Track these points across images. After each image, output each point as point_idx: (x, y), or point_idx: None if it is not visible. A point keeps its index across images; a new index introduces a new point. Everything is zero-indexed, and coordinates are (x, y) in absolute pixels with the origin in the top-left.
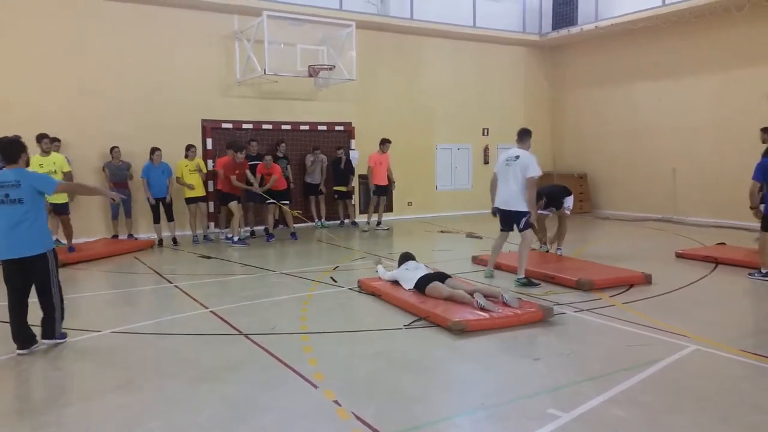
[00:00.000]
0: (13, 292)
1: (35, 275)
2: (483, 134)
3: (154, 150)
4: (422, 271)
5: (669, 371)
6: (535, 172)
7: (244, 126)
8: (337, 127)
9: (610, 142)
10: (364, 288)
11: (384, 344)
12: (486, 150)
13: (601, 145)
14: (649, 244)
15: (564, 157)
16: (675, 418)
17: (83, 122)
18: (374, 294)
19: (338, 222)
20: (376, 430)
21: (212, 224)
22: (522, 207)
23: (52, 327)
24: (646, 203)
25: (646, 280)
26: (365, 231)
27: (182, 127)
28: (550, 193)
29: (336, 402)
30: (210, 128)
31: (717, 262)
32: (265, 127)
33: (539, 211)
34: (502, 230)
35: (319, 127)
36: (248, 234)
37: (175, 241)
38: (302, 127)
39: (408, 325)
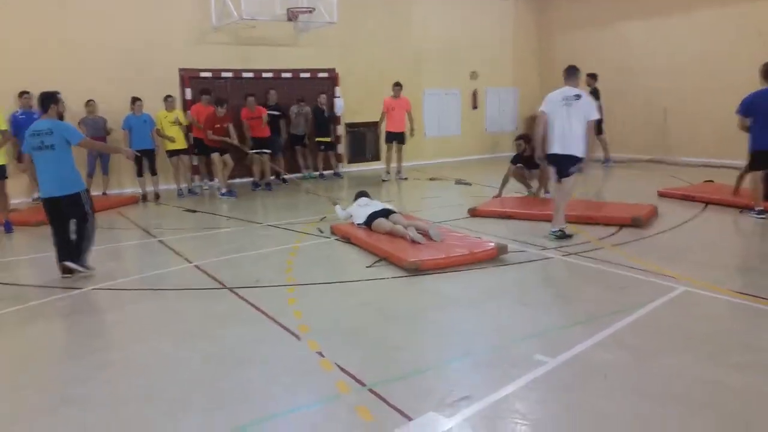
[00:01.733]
0: (53, 224)
1: (71, 212)
2: (471, 78)
3: (134, 100)
4: (371, 208)
5: (658, 313)
6: (597, 114)
7: (223, 74)
8: (321, 74)
9: (600, 84)
10: (336, 233)
11: (369, 294)
12: (475, 94)
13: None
14: (637, 185)
15: None
16: (663, 359)
17: (54, 76)
18: (346, 239)
19: (318, 174)
20: (359, 380)
21: (197, 177)
22: (580, 152)
23: (79, 253)
24: (636, 145)
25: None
26: (385, 181)
27: (159, 79)
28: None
29: (320, 353)
30: (188, 78)
31: (695, 200)
32: (245, 75)
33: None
34: (559, 179)
35: (302, 75)
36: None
37: (157, 196)
38: (284, 75)
39: (370, 266)
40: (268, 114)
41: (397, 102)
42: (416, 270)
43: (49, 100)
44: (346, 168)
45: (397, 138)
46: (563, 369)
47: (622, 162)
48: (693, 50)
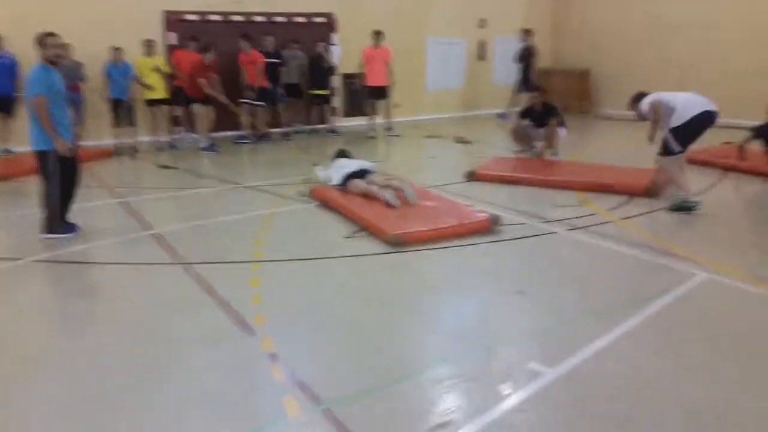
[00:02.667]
0: None
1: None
2: (479, 27)
3: (115, 49)
4: (348, 168)
5: (677, 307)
6: None
7: (212, 17)
8: (317, 19)
9: (618, 36)
10: (314, 197)
11: (343, 275)
12: (482, 44)
13: (607, 39)
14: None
15: (565, 52)
16: (688, 375)
17: (23, 15)
18: (324, 203)
19: (308, 128)
20: (315, 395)
21: (181, 129)
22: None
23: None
24: None
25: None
26: (371, 137)
27: (140, 21)
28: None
29: (273, 355)
30: (173, 20)
31: (716, 166)
32: (234, 18)
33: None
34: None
35: (296, 19)
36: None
37: (135, 149)
38: (277, 19)
39: (349, 236)
40: (267, 62)
41: (377, 52)
42: (399, 244)
43: (38, 42)
44: (342, 123)
45: (377, 93)
46: (563, 384)
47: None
48: (722, 3)
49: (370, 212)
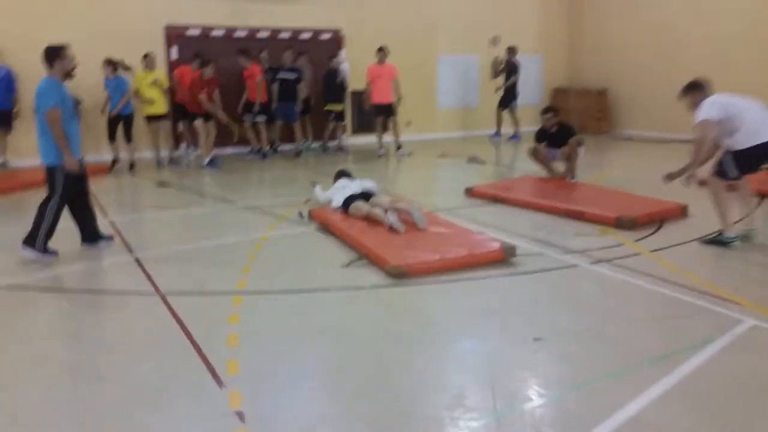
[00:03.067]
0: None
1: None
2: (492, 45)
3: (108, 63)
4: (349, 190)
5: (722, 361)
6: None
7: (214, 33)
8: (324, 35)
9: (635, 54)
10: (315, 220)
11: (335, 312)
12: (495, 62)
13: (624, 57)
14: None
15: (582, 70)
16: None
17: (18, 30)
18: (324, 227)
19: (321, 144)
20: None
21: (183, 145)
22: None
23: (30, 234)
24: (673, 122)
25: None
26: (380, 156)
27: (141, 36)
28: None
29: (239, 415)
30: (174, 35)
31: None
32: (238, 34)
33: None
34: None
35: (303, 35)
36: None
37: (132, 166)
38: (282, 35)
39: (346, 265)
40: (279, 79)
41: (383, 69)
42: (401, 276)
43: (49, 54)
44: (350, 140)
45: (385, 110)
46: None
47: (661, 141)
48: (741, 18)
49: (372, 238)
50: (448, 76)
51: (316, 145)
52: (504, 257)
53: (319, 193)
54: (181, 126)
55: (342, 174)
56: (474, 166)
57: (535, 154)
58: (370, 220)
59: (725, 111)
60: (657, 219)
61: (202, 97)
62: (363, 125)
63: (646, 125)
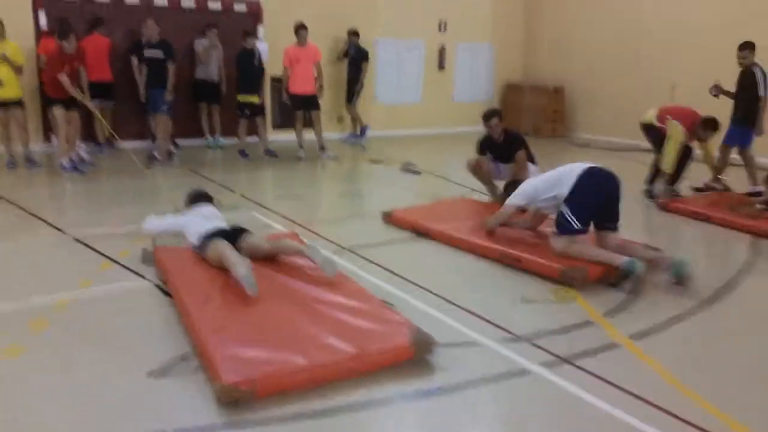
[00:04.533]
0: None
1: None
2: (439, 29)
3: None
4: (212, 223)
5: None
6: None
7: None
8: (238, 7)
9: (596, 49)
10: (157, 266)
11: None
12: (442, 51)
13: (583, 53)
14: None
15: (537, 65)
16: None
17: None
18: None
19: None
20: None
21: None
22: None
23: None
24: (635, 127)
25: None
26: (300, 158)
27: None
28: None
29: None
30: None
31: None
32: (129, 1)
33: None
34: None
35: (211, 5)
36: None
37: None
38: (185, 4)
39: (152, 373)
40: (147, 57)
41: (303, 52)
42: (235, 402)
43: None
44: (271, 137)
45: (306, 102)
46: None
47: (621, 149)
48: (711, 13)
49: (210, 318)
50: (387, 65)
51: (224, 141)
52: (415, 355)
53: (151, 224)
54: (49, 114)
55: (200, 197)
56: (408, 176)
57: (476, 169)
58: (225, 268)
59: None
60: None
61: (63, 78)
62: (285, 120)
63: (605, 130)
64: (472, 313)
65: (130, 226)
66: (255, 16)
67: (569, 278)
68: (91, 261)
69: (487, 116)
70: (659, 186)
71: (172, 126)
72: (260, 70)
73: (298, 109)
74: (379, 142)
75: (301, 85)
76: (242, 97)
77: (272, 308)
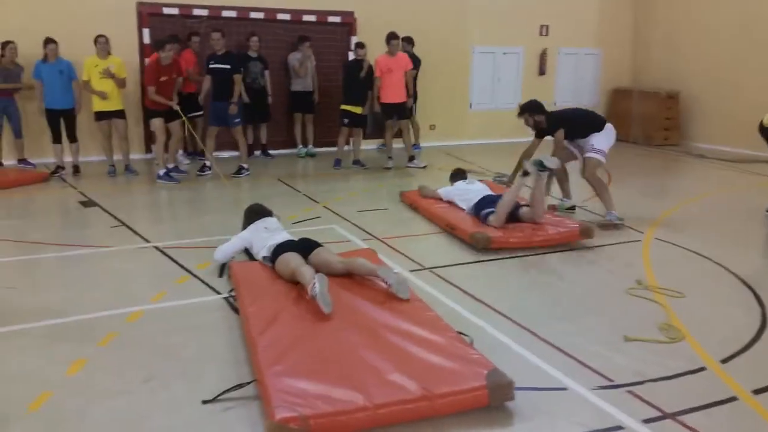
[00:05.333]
0: None
1: None
2: (541, 33)
3: (47, 42)
4: (277, 237)
5: None
6: None
7: (195, 12)
8: (332, 18)
9: (714, 51)
10: (233, 279)
11: None
12: (543, 55)
13: (701, 55)
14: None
15: (650, 69)
16: None
17: None
18: (236, 298)
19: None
20: None
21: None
22: None
23: None
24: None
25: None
26: (388, 168)
27: (108, 13)
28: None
29: None
30: (147, 14)
31: None
32: (226, 14)
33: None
34: None
35: (306, 17)
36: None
37: (76, 169)
38: (280, 16)
39: (209, 401)
40: (212, 69)
41: (395, 61)
42: None
43: None
44: (364, 145)
45: (397, 111)
46: None
47: (742, 161)
48: None
49: (265, 343)
50: (483, 72)
51: (313, 150)
52: (490, 401)
53: (223, 250)
54: (151, 126)
55: (261, 212)
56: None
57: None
58: (296, 281)
59: None
60: None
61: (151, 89)
62: (378, 129)
63: (725, 139)
64: (560, 350)
65: (211, 237)
66: (349, 27)
67: (475, 241)
68: (170, 273)
69: (518, 114)
70: None
71: (267, 136)
72: (368, 81)
73: (390, 118)
74: (472, 151)
75: (392, 95)
76: (346, 107)
77: (336, 334)
